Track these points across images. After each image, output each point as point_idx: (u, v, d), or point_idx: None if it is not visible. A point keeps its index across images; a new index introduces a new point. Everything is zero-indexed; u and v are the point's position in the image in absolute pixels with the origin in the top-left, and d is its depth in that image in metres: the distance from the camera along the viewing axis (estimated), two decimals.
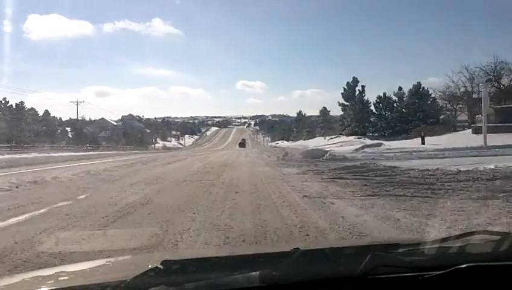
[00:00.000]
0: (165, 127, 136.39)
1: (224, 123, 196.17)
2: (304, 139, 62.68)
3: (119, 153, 42.75)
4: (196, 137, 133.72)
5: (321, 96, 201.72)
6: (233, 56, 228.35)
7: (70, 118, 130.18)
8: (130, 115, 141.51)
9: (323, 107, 68.60)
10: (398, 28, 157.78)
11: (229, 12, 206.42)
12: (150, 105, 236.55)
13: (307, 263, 1.23)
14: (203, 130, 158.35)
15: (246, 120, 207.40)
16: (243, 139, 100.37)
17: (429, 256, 1.26)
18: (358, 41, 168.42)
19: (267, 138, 79.70)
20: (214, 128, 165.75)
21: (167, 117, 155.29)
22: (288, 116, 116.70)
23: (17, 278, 1.54)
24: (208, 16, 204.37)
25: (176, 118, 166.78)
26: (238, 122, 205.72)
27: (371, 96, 60.97)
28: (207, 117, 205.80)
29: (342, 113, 60.23)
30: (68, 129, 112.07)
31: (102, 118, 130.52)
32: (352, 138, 46.83)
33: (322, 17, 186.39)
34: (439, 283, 1.10)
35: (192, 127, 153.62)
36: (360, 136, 47.62)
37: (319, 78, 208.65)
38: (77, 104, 78.29)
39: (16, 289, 1.29)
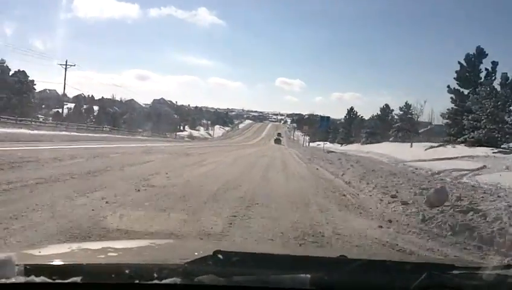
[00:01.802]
0: (196, 115, 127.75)
1: (260, 118, 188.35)
2: (362, 144, 50.66)
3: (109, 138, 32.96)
4: (227, 129, 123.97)
5: (359, 100, 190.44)
6: (274, 52, 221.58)
7: (102, 97, 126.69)
8: (162, 98, 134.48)
9: (385, 105, 56.65)
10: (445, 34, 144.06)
11: (274, 8, 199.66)
12: (188, 93, 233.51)
13: (359, 273, 1.20)
14: (236, 121, 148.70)
15: (282, 117, 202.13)
16: (279, 134, 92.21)
17: (487, 282, 1.20)
18: (400, 47, 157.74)
19: (306, 137, 68.16)
20: (248, 122, 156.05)
21: (204, 107, 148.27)
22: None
23: (65, 247, 1.63)
24: (253, 9, 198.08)
25: (213, 108, 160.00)
26: (274, 118, 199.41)
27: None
28: (243, 110, 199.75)
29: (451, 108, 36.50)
30: (95, 108, 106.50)
31: (132, 99, 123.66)
32: (482, 150, 24.45)
33: (367, 20, 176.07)
34: None
35: (225, 117, 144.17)
36: (498, 149, 26.17)
37: (358, 82, 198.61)
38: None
39: (67, 258, 1.32)
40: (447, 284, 1.11)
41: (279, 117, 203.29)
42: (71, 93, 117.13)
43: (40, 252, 1.46)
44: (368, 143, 49.15)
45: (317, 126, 73.19)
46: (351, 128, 61.75)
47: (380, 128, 52.34)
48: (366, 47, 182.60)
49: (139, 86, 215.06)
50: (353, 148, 44.76)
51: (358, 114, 65.41)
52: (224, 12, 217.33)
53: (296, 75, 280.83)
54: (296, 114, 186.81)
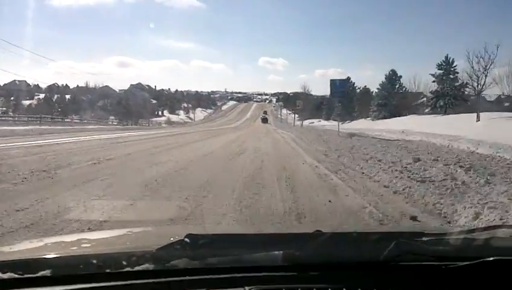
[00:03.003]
0: (176, 99, 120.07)
1: (245, 98, 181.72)
2: (374, 119, 44.02)
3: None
4: (210, 111, 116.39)
5: (343, 75, 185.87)
6: (255, 32, 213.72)
7: (77, 85, 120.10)
8: (139, 83, 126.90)
9: (391, 71, 49.75)
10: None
11: None
12: (170, 78, 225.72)
13: (330, 246, 1.22)
14: (219, 103, 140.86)
15: (267, 96, 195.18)
16: (265, 112, 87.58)
17: (454, 246, 1.26)
18: (383, 22, 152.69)
19: (294, 116, 61.31)
20: (231, 102, 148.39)
21: (187, 91, 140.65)
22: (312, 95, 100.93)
23: (41, 242, 1.57)
24: None
25: (196, 91, 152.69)
26: (259, 98, 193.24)
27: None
28: (227, 92, 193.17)
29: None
30: (67, 97, 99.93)
31: (107, 86, 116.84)
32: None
33: None
34: (463, 274, 1.10)
35: (208, 100, 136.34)
36: None
37: (341, 57, 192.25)
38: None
39: (38, 253, 1.30)
40: (415, 251, 1.14)
41: (264, 97, 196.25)
42: (46, 84, 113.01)
43: (11, 248, 1.41)
44: (382, 118, 42.04)
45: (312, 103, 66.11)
46: (353, 101, 54.57)
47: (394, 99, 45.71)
48: (347, 22, 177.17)
49: (121, 73, 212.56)
50: (364, 125, 36.95)
51: (355, 85, 58.61)
52: None
53: (278, 54, 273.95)
54: (281, 93, 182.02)
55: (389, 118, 37.70)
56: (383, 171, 8.07)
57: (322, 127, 43.55)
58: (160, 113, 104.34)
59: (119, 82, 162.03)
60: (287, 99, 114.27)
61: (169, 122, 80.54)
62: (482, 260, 1.07)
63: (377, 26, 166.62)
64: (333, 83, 24.18)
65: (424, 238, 1.28)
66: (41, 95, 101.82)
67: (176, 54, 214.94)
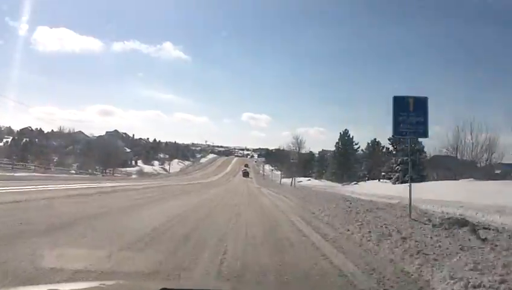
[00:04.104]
0: (153, 149, 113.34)
1: (226, 152, 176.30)
2: (396, 182, 36.88)
3: None
4: (187, 163, 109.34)
5: (324, 135, 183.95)
6: (241, 87, 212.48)
7: (52, 130, 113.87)
8: (115, 130, 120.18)
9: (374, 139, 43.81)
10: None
11: (240, 45, 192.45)
12: (152, 128, 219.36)
13: None
14: (198, 155, 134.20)
15: (249, 152, 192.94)
16: (246, 165, 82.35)
17: None
18: (365, 84, 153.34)
19: (278, 172, 54.76)
20: (211, 155, 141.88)
21: (168, 142, 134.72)
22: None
23: None
24: (219, 45, 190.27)
25: (175, 142, 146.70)
26: (240, 153, 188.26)
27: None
28: (208, 146, 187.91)
29: None
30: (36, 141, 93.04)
31: (80, 132, 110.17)
32: None
33: (332, 58, 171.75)
34: None
35: (186, 151, 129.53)
36: None
37: (323, 117, 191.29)
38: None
39: None
40: None
41: (246, 152, 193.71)
42: (19, 127, 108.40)
43: None
44: (403, 181, 34.30)
45: (285, 161, 59.05)
46: (349, 160, 48.13)
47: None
48: (331, 83, 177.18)
49: (103, 120, 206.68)
50: (396, 191, 28.66)
51: (356, 143, 52.28)
52: (190, 47, 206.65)
53: (262, 110, 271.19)
54: (263, 149, 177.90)
55: (418, 181, 30.36)
56: None
57: (322, 188, 36.42)
58: (134, 163, 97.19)
59: (100, 130, 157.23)
60: (269, 155, 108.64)
61: (140, 173, 73.41)
62: None
63: (358, 89, 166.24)
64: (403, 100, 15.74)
65: None
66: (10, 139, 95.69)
67: (159, 104, 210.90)
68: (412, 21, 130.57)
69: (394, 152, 43.16)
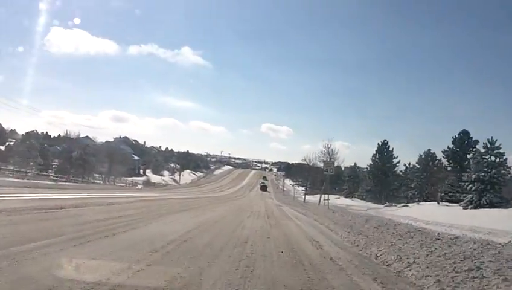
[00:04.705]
0: (164, 158, 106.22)
1: (243, 165, 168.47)
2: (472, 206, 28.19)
3: None
4: (200, 174, 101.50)
5: (348, 149, 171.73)
6: (261, 97, 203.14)
7: (59, 135, 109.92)
8: (125, 137, 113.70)
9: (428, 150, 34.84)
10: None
11: (262, 52, 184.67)
12: (167, 137, 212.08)
13: None
14: (212, 167, 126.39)
15: (268, 165, 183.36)
16: (264, 177, 79.08)
17: None
18: (391, 99, 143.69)
19: (300, 188, 46.43)
20: (227, 167, 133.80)
21: (182, 151, 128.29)
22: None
23: None
24: (239, 51, 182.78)
25: (187, 151, 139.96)
26: (258, 166, 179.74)
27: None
28: (225, 157, 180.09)
29: None
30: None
31: (87, 136, 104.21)
32: None
33: (356, 68, 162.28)
34: None
35: (200, 161, 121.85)
36: None
37: (347, 130, 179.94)
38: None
39: None
40: None
41: (264, 165, 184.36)
42: (25, 129, 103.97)
43: None
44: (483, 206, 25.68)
45: (310, 175, 49.64)
46: (389, 177, 39.22)
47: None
48: (357, 95, 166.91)
49: (115, 128, 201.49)
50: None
51: (397, 158, 43.20)
52: (209, 53, 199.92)
53: (283, 121, 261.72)
54: (283, 162, 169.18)
55: (501, 205, 22.02)
56: None
57: (362, 210, 27.84)
58: (142, 172, 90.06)
59: (112, 137, 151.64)
60: (290, 169, 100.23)
61: (147, 183, 65.95)
62: None
63: (385, 102, 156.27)
64: None
65: None
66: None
67: (175, 112, 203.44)
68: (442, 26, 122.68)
69: (449, 168, 34.47)
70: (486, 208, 26.87)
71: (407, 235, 9.39)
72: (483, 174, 29.73)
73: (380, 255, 7.56)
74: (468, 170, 30.73)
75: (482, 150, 30.44)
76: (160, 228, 9.41)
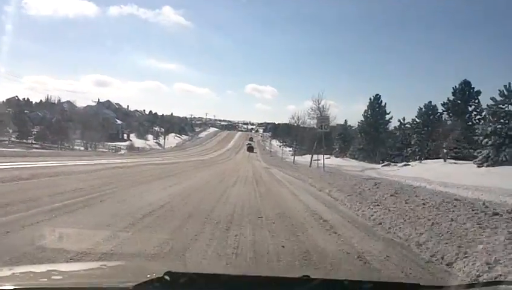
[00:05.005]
0: (148, 121, 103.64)
1: (229, 127, 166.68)
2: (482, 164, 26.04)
3: None
4: (185, 137, 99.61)
5: (335, 108, 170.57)
6: (245, 57, 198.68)
7: (41, 100, 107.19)
8: (108, 101, 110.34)
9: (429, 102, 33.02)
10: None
11: (245, 11, 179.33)
12: (151, 100, 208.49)
13: None
14: (197, 129, 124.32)
15: (254, 126, 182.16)
16: (251, 138, 79.80)
17: None
18: (378, 55, 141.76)
19: (288, 149, 45.13)
20: (212, 129, 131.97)
21: (166, 114, 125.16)
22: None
23: (7, 272, 1.45)
24: (222, 10, 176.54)
25: (171, 114, 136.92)
26: (244, 128, 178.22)
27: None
28: (210, 119, 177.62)
29: None
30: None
31: (68, 101, 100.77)
32: None
33: (342, 25, 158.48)
34: None
35: (184, 124, 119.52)
36: None
37: (334, 89, 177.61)
38: None
39: (5, 282, 1.21)
40: None
41: (250, 126, 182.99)
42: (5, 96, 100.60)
43: None
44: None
45: (298, 134, 48.26)
46: (382, 134, 37.61)
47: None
48: (341, 54, 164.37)
49: (98, 92, 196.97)
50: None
51: (389, 114, 41.38)
52: (191, 12, 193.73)
53: (267, 81, 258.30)
54: (269, 123, 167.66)
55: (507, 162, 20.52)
56: None
57: (357, 171, 26.27)
58: (125, 136, 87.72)
59: (93, 100, 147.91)
60: (277, 130, 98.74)
61: (131, 148, 63.98)
62: None
63: (370, 59, 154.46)
64: None
65: None
66: None
67: (158, 75, 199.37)
68: None
69: (449, 121, 32.79)
70: (505, 165, 24.30)
71: (444, 208, 7.24)
72: (500, 126, 26.57)
73: (425, 241, 5.20)
74: (478, 122, 28.66)
75: (498, 99, 27.46)
76: (116, 209, 7.42)
